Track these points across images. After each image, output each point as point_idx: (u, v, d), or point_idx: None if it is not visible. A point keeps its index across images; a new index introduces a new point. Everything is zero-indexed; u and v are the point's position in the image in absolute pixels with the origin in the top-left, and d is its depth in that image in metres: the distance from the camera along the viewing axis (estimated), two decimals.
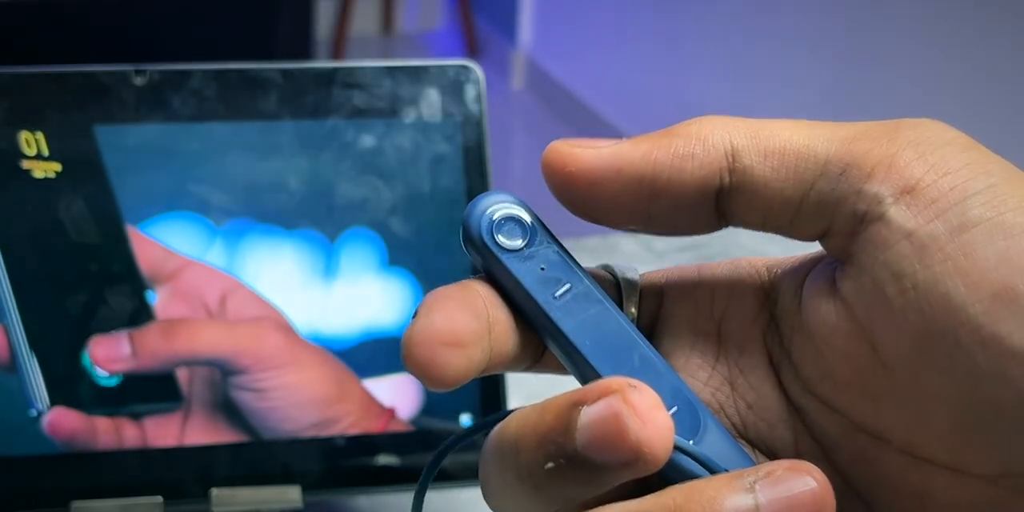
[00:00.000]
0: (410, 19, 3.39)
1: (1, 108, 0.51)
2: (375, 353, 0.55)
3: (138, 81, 0.53)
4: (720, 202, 0.29)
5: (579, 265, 0.30)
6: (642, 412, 0.25)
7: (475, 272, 0.31)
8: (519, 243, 0.30)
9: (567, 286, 0.30)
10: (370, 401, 0.54)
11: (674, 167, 0.29)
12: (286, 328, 0.53)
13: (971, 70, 1.73)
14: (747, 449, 0.30)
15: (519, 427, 0.28)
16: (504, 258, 0.29)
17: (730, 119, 0.29)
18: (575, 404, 0.26)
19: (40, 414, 0.51)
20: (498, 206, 0.30)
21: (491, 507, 0.30)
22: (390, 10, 3.34)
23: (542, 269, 0.30)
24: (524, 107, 2.95)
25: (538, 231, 0.30)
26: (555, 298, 0.29)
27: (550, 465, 0.26)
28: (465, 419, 0.55)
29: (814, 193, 0.28)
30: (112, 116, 0.53)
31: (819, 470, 0.27)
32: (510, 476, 0.28)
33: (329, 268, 0.55)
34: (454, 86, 0.55)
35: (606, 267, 0.32)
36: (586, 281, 0.30)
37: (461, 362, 0.28)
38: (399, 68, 0.55)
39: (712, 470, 0.28)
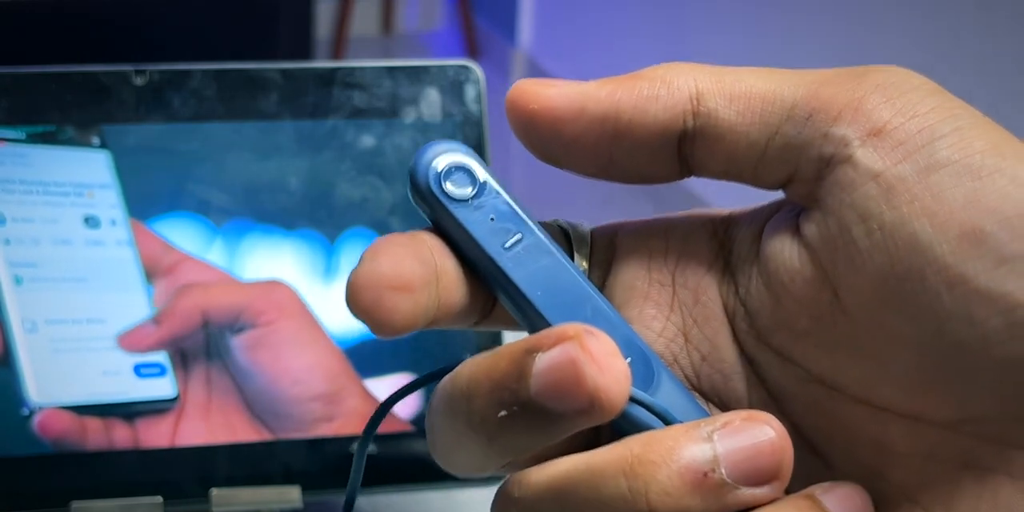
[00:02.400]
0: (410, 19, 3.39)
1: (1, 108, 0.51)
2: (375, 353, 0.55)
3: (138, 81, 0.53)
4: (683, 147, 0.29)
5: (530, 216, 0.30)
6: (599, 359, 0.25)
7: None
8: (468, 192, 0.29)
9: (517, 237, 0.29)
10: (367, 397, 0.54)
11: (637, 108, 0.28)
12: (295, 295, 0.53)
13: (971, 70, 1.73)
14: (700, 401, 0.30)
15: (471, 374, 0.27)
16: (452, 208, 0.29)
17: (696, 65, 0.29)
18: (530, 350, 0.26)
19: (32, 413, 0.51)
20: (446, 155, 0.29)
21: (439, 460, 0.29)
22: (390, 10, 3.34)
23: (492, 219, 0.29)
24: None
25: (488, 181, 0.29)
26: (505, 249, 0.29)
27: (503, 413, 0.26)
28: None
29: (779, 137, 0.28)
30: (112, 116, 0.53)
31: (776, 420, 0.26)
32: (461, 425, 0.27)
33: (329, 268, 0.55)
34: (454, 86, 0.55)
35: (556, 221, 0.32)
36: (537, 232, 0.29)
37: (407, 306, 0.27)
38: (399, 68, 0.55)
39: (667, 421, 0.28)
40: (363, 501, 0.59)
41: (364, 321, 0.27)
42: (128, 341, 0.52)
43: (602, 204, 2.34)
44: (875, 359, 0.27)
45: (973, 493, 0.27)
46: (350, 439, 0.54)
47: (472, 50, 3.18)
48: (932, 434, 0.27)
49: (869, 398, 0.28)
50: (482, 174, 0.29)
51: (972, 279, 0.25)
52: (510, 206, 0.29)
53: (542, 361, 0.25)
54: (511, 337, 0.29)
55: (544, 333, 0.26)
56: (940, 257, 0.25)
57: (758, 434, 0.26)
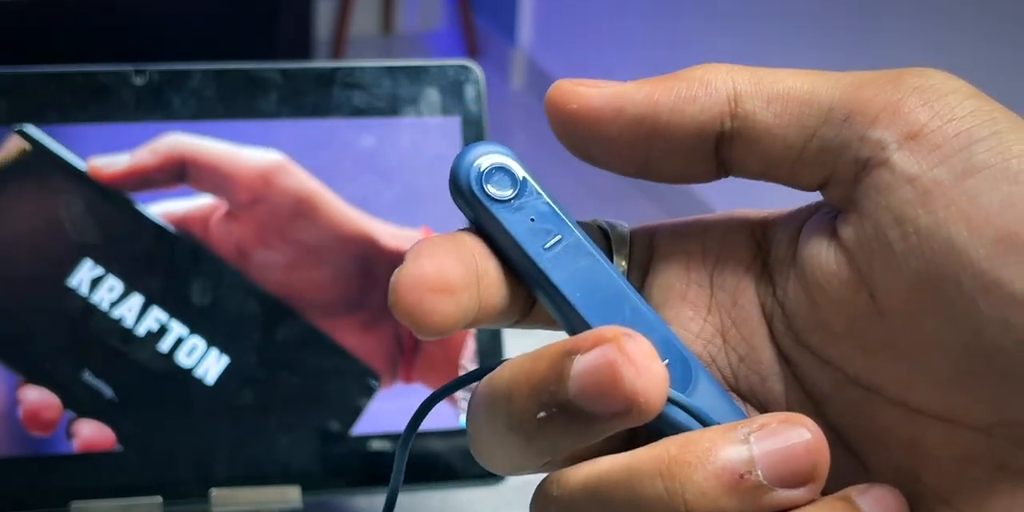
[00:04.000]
0: (410, 19, 3.39)
1: (1, 108, 0.51)
2: None
3: (138, 81, 0.53)
4: (720, 148, 0.29)
5: (570, 217, 0.30)
6: (637, 361, 0.25)
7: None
8: (508, 193, 0.29)
9: (557, 237, 0.29)
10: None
11: (675, 110, 0.29)
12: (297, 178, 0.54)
13: (972, 68, 1.73)
14: (738, 402, 0.30)
15: (512, 376, 0.27)
16: (494, 208, 0.29)
17: (734, 66, 0.29)
18: (568, 352, 0.26)
19: None
20: (487, 156, 0.29)
21: (479, 459, 0.29)
22: (390, 10, 3.34)
23: (532, 220, 0.29)
24: (524, 107, 2.95)
25: (528, 182, 0.30)
26: (545, 249, 0.29)
27: (542, 414, 0.26)
28: (465, 419, 0.55)
29: (817, 140, 0.28)
30: (112, 116, 0.52)
31: (813, 422, 0.27)
32: (500, 425, 0.27)
33: None
34: (454, 86, 0.55)
35: (595, 221, 0.32)
36: (576, 233, 0.30)
37: (449, 308, 0.27)
38: (399, 68, 0.55)
39: (704, 422, 0.28)
40: (363, 501, 0.59)
41: (405, 322, 0.28)
42: (97, 168, 0.52)
43: (600, 203, 2.34)
44: (911, 361, 0.27)
45: (1008, 496, 0.27)
46: (350, 439, 0.54)
47: (472, 50, 3.18)
48: (967, 437, 0.27)
49: (905, 400, 0.28)
50: (523, 175, 0.29)
51: (1008, 284, 0.25)
52: (550, 207, 0.30)
53: (580, 363, 0.26)
54: (546, 338, 0.29)
55: (582, 335, 0.26)
56: (976, 262, 0.25)
57: (794, 436, 0.26)
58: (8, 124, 0.51)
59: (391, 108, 0.55)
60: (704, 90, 0.29)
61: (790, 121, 0.28)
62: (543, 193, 0.30)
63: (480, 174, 0.29)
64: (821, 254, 0.28)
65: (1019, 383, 0.26)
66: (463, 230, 0.30)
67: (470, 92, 0.55)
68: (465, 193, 0.29)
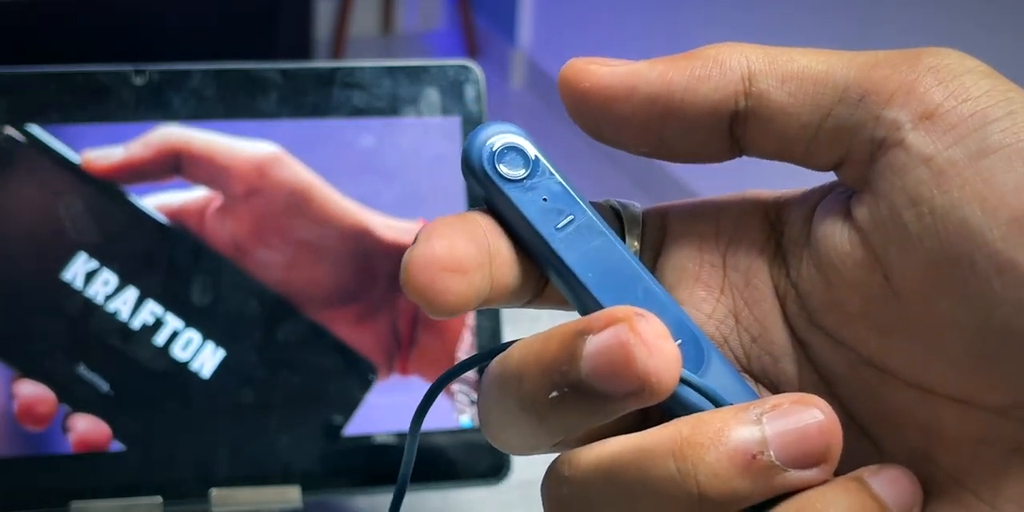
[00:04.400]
0: (410, 19, 3.39)
1: (1, 108, 0.51)
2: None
3: (138, 81, 0.53)
4: (735, 127, 0.29)
5: (582, 197, 0.30)
6: (649, 341, 0.25)
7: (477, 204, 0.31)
8: (521, 173, 0.29)
9: (570, 217, 0.29)
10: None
11: (689, 88, 0.28)
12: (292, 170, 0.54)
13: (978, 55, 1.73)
14: (750, 383, 0.30)
15: (522, 355, 0.27)
16: (506, 188, 0.29)
17: (748, 45, 0.29)
18: (580, 332, 0.26)
19: None
20: (500, 135, 0.29)
21: (491, 439, 0.29)
22: (390, 10, 3.34)
23: (544, 200, 0.29)
24: (524, 107, 2.95)
25: (540, 162, 0.29)
26: (557, 229, 0.29)
27: (554, 394, 0.26)
28: (465, 419, 0.55)
29: (832, 119, 0.28)
30: (112, 116, 0.52)
31: (826, 403, 0.27)
32: (512, 405, 0.27)
33: None
34: (454, 86, 0.55)
35: (607, 201, 0.32)
36: (589, 213, 0.30)
37: (462, 288, 0.27)
38: (399, 68, 0.55)
39: (717, 403, 0.28)
40: (363, 501, 0.59)
41: (418, 301, 0.28)
42: (90, 161, 0.52)
43: (589, 192, 2.34)
44: (926, 342, 0.27)
45: (1022, 477, 0.27)
46: (350, 439, 0.54)
47: (472, 50, 3.18)
48: (982, 418, 0.27)
49: (919, 381, 0.28)
50: (535, 154, 0.29)
51: (1022, 264, 0.25)
52: (563, 186, 0.29)
53: (592, 343, 0.26)
54: (557, 317, 0.29)
55: (595, 315, 0.26)
56: (990, 242, 0.25)
57: (807, 417, 0.26)
58: (8, 124, 0.51)
59: (391, 108, 0.55)
60: (718, 69, 0.28)
61: (805, 100, 0.28)
62: (556, 173, 0.30)
63: (492, 153, 0.29)
64: (835, 234, 0.28)
65: None
66: (475, 210, 0.30)
67: (470, 92, 0.55)
68: (477, 172, 0.29)
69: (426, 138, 0.55)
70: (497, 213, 0.30)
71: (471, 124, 0.55)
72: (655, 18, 2.53)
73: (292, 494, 0.52)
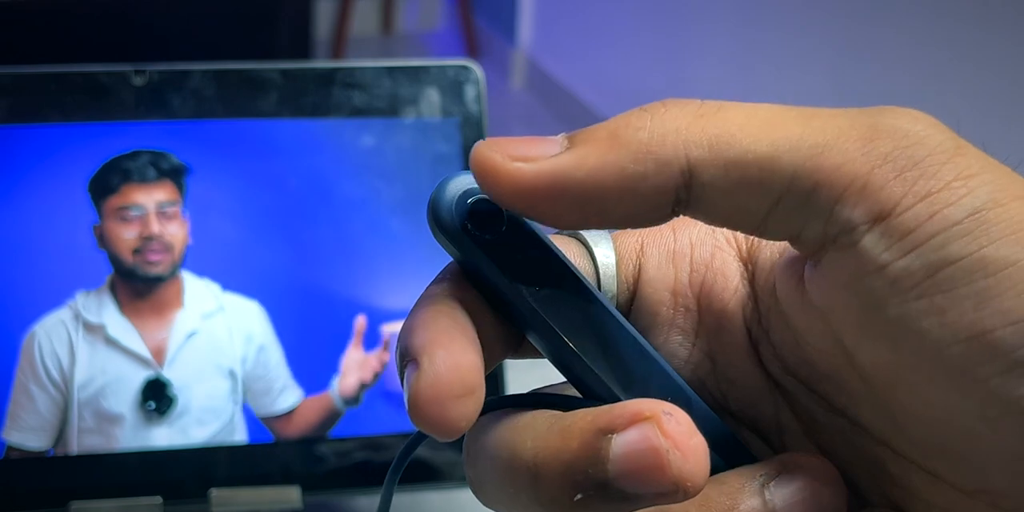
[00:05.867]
0: (410, 19, 3.39)
1: (1, 108, 0.51)
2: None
3: (138, 81, 0.53)
4: (677, 209, 0.26)
5: (555, 247, 0.28)
6: (681, 443, 0.24)
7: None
8: (496, 229, 0.27)
9: (547, 273, 0.27)
10: None
11: (624, 188, 0.26)
12: None
13: (973, 60, 1.73)
14: (731, 422, 0.30)
15: (537, 451, 0.26)
16: (482, 247, 0.27)
17: (686, 119, 0.26)
18: (603, 430, 0.25)
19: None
20: (470, 187, 0.27)
21: None
22: (390, 10, 3.34)
23: (520, 256, 0.27)
24: (524, 107, 2.95)
25: (513, 213, 0.27)
26: (537, 288, 0.27)
27: (579, 497, 0.25)
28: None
29: (781, 207, 0.26)
30: (112, 116, 0.52)
31: (831, 468, 0.27)
32: (526, 499, 0.26)
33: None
34: (454, 86, 0.55)
35: (574, 235, 0.30)
36: (566, 265, 0.28)
37: (472, 409, 0.26)
38: (399, 68, 0.55)
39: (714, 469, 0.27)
40: (363, 501, 0.59)
41: (427, 431, 0.26)
42: None
43: None
44: (892, 418, 0.27)
45: None
46: (350, 440, 0.54)
47: (472, 50, 3.18)
48: (950, 494, 0.26)
49: (890, 445, 0.27)
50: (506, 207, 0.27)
51: (983, 381, 0.24)
52: (537, 238, 0.28)
53: (619, 445, 0.24)
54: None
55: (615, 412, 0.25)
56: (949, 358, 0.24)
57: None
58: (8, 124, 0.51)
59: (391, 108, 0.55)
60: (654, 164, 0.25)
61: (751, 189, 0.25)
62: (527, 223, 0.27)
63: (466, 209, 0.27)
64: (798, 301, 0.27)
65: (996, 462, 0.25)
66: (447, 280, 0.28)
67: (470, 92, 0.55)
68: (451, 232, 0.27)
69: (426, 138, 0.55)
70: (472, 273, 0.27)
71: (471, 124, 0.55)
72: (655, 18, 2.53)
73: (292, 494, 0.52)
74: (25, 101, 0.52)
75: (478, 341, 0.27)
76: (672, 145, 0.25)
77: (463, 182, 0.27)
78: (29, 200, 0.52)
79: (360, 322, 0.55)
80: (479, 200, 0.27)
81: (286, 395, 0.54)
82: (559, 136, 0.26)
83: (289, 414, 0.54)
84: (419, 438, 0.29)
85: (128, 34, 1.53)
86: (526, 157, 0.26)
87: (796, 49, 2.09)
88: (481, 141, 0.26)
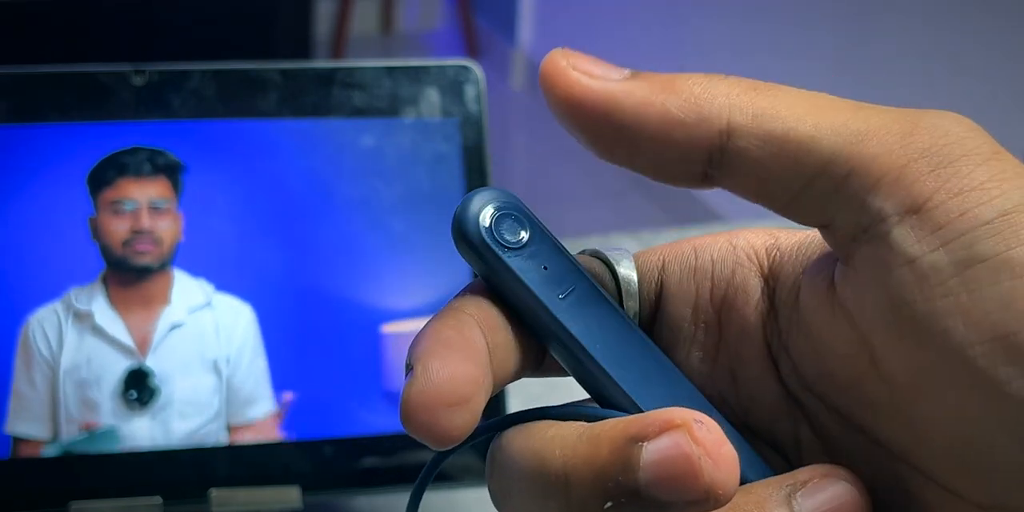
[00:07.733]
0: (410, 19, 3.39)
1: (1, 108, 0.51)
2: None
3: (138, 81, 0.53)
4: (709, 170, 0.27)
5: (577, 261, 0.29)
6: (712, 451, 0.24)
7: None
8: (521, 241, 0.28)
9: (571, 287, 0.28)
10: None
11: (662, 130, 0.27)
12: None
13: (976, 57, 1.73)
14: (749, 437, 0.30)
15: (566, 459, 0.26)
16: (507, 259, 0.27)
17: (735, 87, 0.27)
18: (634, 438, 0.25)
19: None
20: (494, 202, 0.28)
21: None
22: (390, 10, 3.34)
23: (545, 268, 0.28)
24: (524, 107, 2.95)
25: (538, 227, 0.28)
26: (560, 299, 0.28)
27: (609, 505, 0.25)
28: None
29: (814, 188, 0.26)
30: (112, 116, 0.53)
31: (854, 480, 0.27)
32: (555, 508, 0.26)
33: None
34: (454, 86, 0.55)
35: (596, 254, 0.31)
36: (588, 279, 0.28)
37: (465, 419, 0.26)
38: (399, 68, 0.55)
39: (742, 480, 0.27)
40: (363, 501, 0.59)
41: (418, 438, 0.26)
42: None
43: (603, 201, 2.34)
44: (911, 431, 0.26)
45: None
46: (350, 440, 0.54)
47: (472, 50, 3.18)
48: (968, 510, 0.26)
49: (909, 460, 0.27)
50: (532, 221, 0.28)
51: (1004, 384, 0.24)
52: (561, 253, 0.28)
53: (651, 453, 0.25)
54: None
55: (646, 420, 0.25)
56: (972, 359, 0.24)
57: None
58: (8, 124, 0.51)
59: (391, 108, 0.55)
60: (696, 115, 0.26)
61: (786, 164, 0.26)
62: (552, 237, 0.28)
63: (491, 222, 0.27)
64: (821, 309, 0.27)
65: (1013, 475, 0.25)
66: (468, 295, 0.28)
67: (470, 92, 0.55)
68: (476, 244, 0.27)
69: (426, 138, 0.55)
70: (496, 286, 0.28)
71: (471, 124, 0.55)
72: (655, 18, 2.53)
73: (292, 494, 0.52)
74: (25, 101, 0.52)
75: (485, 355, 0.27)
76: (719, 106, 0.26)
77: (488, 197, 0.28)
78: (29, 199, 0.52)
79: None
80: (503, 215, 0.28)
81: (256, 406, 0.54)
82: (626, 69, 0.28)
83: (251, 425, 0.53)
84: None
85: (128, 34, 1.53)
86: (589, 73, 0.27)
87: (796, 49, 2.09)
88: (557, 48, 0.28)
